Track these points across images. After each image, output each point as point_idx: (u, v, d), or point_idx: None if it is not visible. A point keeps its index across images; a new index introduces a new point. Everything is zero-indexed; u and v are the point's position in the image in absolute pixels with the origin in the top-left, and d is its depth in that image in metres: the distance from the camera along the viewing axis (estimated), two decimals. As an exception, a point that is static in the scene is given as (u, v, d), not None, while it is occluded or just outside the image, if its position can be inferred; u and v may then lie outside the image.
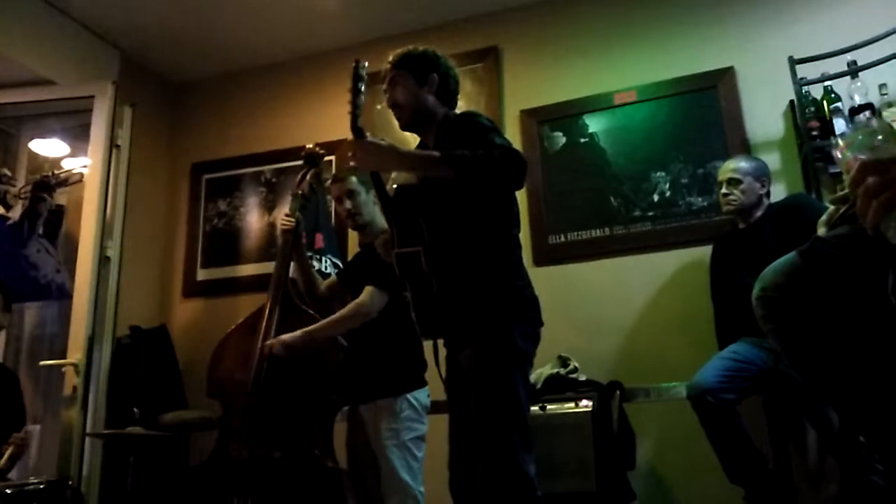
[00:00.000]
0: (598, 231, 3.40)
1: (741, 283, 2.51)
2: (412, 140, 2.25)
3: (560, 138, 3.56)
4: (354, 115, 1.97)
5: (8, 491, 2.13)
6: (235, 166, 4.13)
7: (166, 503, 2.71)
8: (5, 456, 2.59)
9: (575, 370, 3.05)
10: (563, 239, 3.43)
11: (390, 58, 2.12)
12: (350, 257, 3.53)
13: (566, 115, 3.57)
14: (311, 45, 4.06)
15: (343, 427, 2.69)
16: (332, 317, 2.63)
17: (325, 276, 3.13)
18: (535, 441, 1.87)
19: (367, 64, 2.03)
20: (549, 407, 2.85)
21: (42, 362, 3.22)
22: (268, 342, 2.62)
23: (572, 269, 3.38)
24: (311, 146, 3.04)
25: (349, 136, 4.04)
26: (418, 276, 1.92)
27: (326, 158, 3.81)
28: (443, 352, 2.08)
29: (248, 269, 3.94)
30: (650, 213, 3.34)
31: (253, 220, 4.03)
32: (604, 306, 3.29)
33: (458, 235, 1.93)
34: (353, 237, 3.69)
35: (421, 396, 2.57)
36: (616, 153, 3.45)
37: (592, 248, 3.38)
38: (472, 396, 1.90)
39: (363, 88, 2.02)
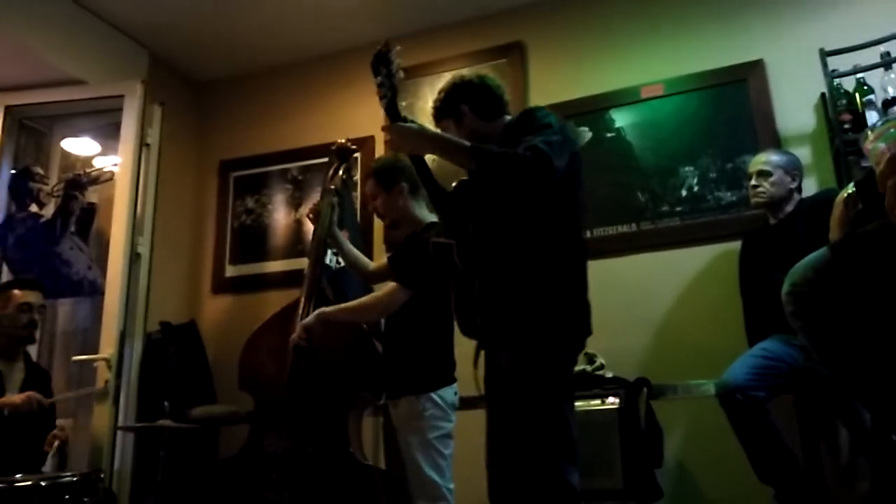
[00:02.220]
0: (625, 227, 3.37)
1: (771, 279, 2.46)
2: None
3: (586, 133, 3.52)
4: (384, 98, 1.98)
5: (42, 483, 2.18)
6: (263, 164, 4.17)
7: (196, 496, 2.76)
8: (55, 447, 2.65)
9: (601, 367, 3.03)
10: (588, 235, 3.39)
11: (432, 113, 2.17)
12: (374, 254, 3.55)
13: (592, 109, 3.53)
14: (336, 42, 4.07)
15: (371, 422, 2.70)
16: (350, 303, 2.62)
17: (344, 272, 3.14)
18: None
19: (398, 48, 2.01)
20: (575, 404, 2.82)
21: (75, 357, 3.28)
22: (292, 336, 2.63)
23: (598, 266, 3.26)
24: (342, 141, 3.04)
25: (376, 133, 4.09)
26: (455, 271, 1.91)
27: (354, 155, 3.83)
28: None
29: (275, 266, 3.97)
30: (678, 209, 3.30)
31: (280, 217, 4.06)
32: (631, 303, 3.26)
33: (510, 236, 1.88)
34: (377, 234, 3.71)
35: (447, 394, 2.52)
36: (643, 148, 3.41)
37: (619, 243, 3.35)
38: (508, 400, 1.86)
39: (394, 70, 2.00)
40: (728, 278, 3.01)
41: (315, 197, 3.74)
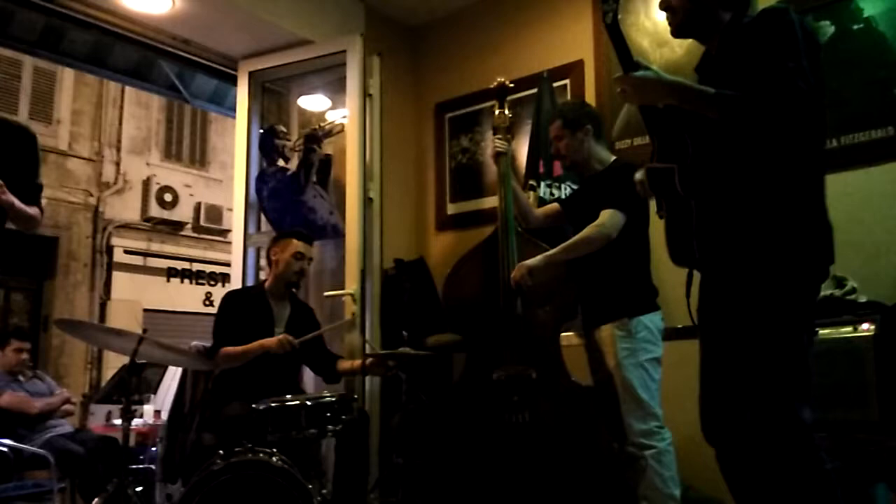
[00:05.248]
0: (878, 131, 2.96)
1: None
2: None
3: (828, 28, 3.11)
4: (608, 13, 1.84)
5: (308, 403, 2.51)
6: (474, 102, 4.24)
7: (436, 415, 3.01)
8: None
9: (853, 291, 2.74)
10: (834, 144, 3.03)
11: None
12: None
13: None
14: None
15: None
16: (573, 239, 2.66)
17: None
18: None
19: None
20: (821, 332, 2.59)
21: (326, 293, 3.66)
22: (514, 275, 2.71)
23: (846, 178, 2.98)
24: (500, 79, 3.08)
25: (585, 56, 3.94)
26: (672, 196, 1.81)
27: (559, 83, 3.77)
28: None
29: (491, 202, 4.05)
30: (948, 105, 2.82)
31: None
32: (888, 219, 2.88)
33: (740, 154, 1.73)
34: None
35: (656, 320, 2.58)
36: (900, 37, 2.94)
37: (872, 151, 2.95)
38: (742, 332, 1.74)
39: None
40: None
41: (524, 131, 3.78)
